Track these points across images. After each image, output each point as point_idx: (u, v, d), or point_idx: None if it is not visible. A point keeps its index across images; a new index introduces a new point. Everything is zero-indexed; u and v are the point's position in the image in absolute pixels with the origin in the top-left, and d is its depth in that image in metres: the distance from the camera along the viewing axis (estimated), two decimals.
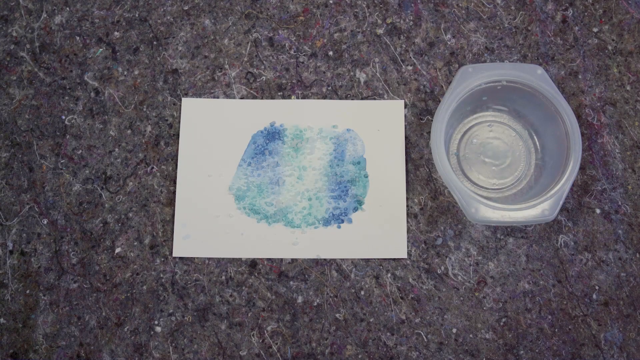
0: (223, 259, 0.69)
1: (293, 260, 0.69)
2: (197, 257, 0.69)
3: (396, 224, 0.68)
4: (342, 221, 0.69)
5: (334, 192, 0.69)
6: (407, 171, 0.71)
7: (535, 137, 0.70)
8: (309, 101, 0.72)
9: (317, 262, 0.69)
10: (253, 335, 0.67)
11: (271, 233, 0.69)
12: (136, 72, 0.74)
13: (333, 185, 0.70)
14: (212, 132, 0.71)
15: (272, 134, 0.71)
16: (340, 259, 0.68)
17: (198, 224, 0.69)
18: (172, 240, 0.68)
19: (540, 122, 0.69)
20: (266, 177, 0.70)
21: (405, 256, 0.67)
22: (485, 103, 0.70)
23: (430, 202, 0.70)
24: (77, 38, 0.74)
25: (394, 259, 0.68)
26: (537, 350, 0.67)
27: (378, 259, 0.68)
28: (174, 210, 0.70)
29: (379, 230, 0.68)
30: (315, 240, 0.68)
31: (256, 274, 0.69)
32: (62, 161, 0.72)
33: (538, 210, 0.61)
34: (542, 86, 0.65)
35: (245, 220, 0.69)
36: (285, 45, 0.75)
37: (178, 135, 0.72)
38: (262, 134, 0.71)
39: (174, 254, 0.68)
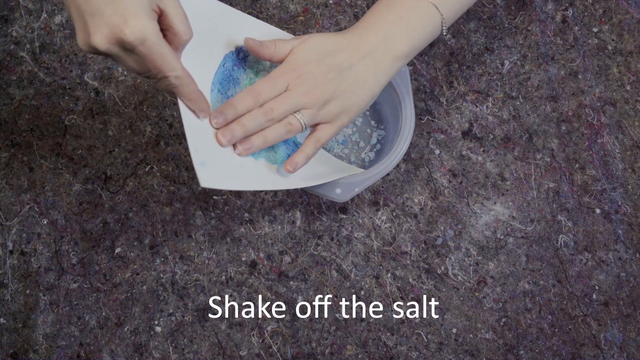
0: (223, 258, 0.69)
1: (293, 260, 0.69)
2: (198, 257, 0.69)
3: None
4: None
5: None
6: (407, 171, 0.71)
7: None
8: (281, 32, 0.64)
9: (317, 262, 0.69)
10: (253, 335, 0.67)
11: (261, 167, 0.60)
12: None
13: None
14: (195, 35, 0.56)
15: (240, 60, 0.62)
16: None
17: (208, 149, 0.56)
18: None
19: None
20: None
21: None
22: None
23: (430, 202, 0.70)
24: None
25: (394, 259, 0.69)
26: (537, 350, 0.67)
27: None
28: (173, 206, 0.70)
29: (328, 159, 0.67)
30: (295, 173, 0.62)
31: (256, 274, 0.69)
32: (62, 161, 0.72)
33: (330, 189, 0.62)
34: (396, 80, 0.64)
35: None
36: None
37: (178, 135, 0.72)
38: (231, 56, 0.61)
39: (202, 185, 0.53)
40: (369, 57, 0.57)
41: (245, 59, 0.62)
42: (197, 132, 0.55)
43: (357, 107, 0.58)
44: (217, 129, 0.57)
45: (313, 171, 0.64)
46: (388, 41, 0.57)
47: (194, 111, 0.54)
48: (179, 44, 0.52)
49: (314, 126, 0.59)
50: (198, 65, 0.57)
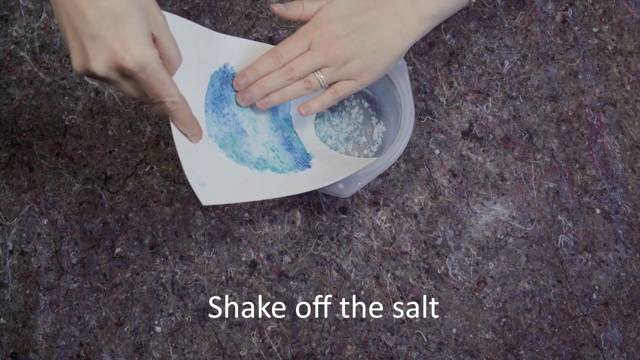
0: (223, 258, 0.69)
1: (293, 260, 0.69)
2: (199, 257, 0.69)
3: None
4: (309, 166, 0.66)
5: (285, 145, 0.66)
6: (407, 171, 0.71)
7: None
8: (261, 45, 0.64)
9: (317, 262, 0.69)
10: (253, 335, 0.67)
11: (267, 178, 0.61)
12: None
13: (281, 139, 0.66)
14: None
15: (226, 78, 0.62)
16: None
17: (203, 168, 0.57)
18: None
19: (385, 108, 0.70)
20: (232, 127, 0.62)
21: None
22: None
23: (430, 202, 0.70)
24: None
25: (394, 259, 0.69)
26: (537, 350, 0.67)
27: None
28: (173, 206, 0.70)
29: (339, 160, 0.68)
30: (305, 178, 0.64)
31: (256, 274, 0.69)
32: (62, 161, 0.72)
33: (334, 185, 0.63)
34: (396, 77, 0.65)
35: (240, 168, 0.60)
36: None
37: None
38: (217, 75, 0.61)
39: (204, 203, 0.54)
40: (395, 17, 0.57)
41: (232, 75, 0.62)
42: (191, 154, 0.55)
43: (380, 66, 0.58)
44: (237, 91, 0.59)
45: (321, 173, 0.64)
46: (415, 1, 0.57)
47: (186, 135, 0.55)
48: (172, 70, 0.52)
49: (335, 83, 0.60)
50: (188, 88, 0.56)
